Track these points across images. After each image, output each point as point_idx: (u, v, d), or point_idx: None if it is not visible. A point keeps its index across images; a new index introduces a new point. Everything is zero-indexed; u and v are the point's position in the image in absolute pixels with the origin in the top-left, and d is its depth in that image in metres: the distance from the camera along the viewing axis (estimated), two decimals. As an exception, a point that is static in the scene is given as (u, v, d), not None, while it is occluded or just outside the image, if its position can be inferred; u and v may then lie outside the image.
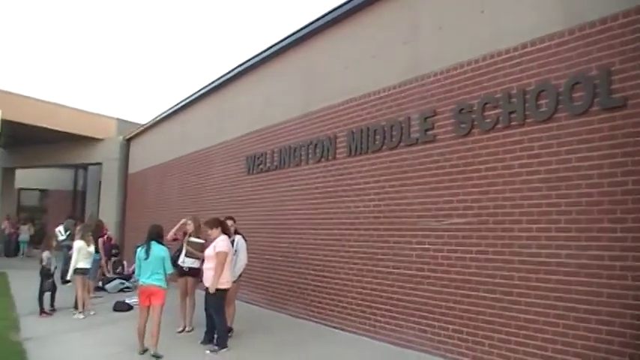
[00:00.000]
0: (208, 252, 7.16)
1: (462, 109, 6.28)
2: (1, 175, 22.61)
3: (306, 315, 8.66)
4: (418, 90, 6.95)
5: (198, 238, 8.23)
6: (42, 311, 9.78)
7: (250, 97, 11.34)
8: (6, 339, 7.94)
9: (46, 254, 10.18)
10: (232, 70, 11.91)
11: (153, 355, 6.84)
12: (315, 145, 8.83)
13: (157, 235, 7.28)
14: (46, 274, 10.12)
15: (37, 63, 54.92)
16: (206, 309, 7.27)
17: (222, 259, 6.95)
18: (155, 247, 7.15)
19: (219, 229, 7.21)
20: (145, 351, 6.95)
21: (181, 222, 8.66)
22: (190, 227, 8.39)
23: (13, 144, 23.08)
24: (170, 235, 8.63)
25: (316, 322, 8.36)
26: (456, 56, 6.45)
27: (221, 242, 7.05)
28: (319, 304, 8.39)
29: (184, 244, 8.32)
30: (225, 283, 7.04)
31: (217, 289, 6.94)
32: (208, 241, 7.45)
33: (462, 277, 6.12)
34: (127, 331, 7.84)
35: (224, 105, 12.67)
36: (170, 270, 7.28)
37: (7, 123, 17.32)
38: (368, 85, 7.81)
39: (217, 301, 7.02)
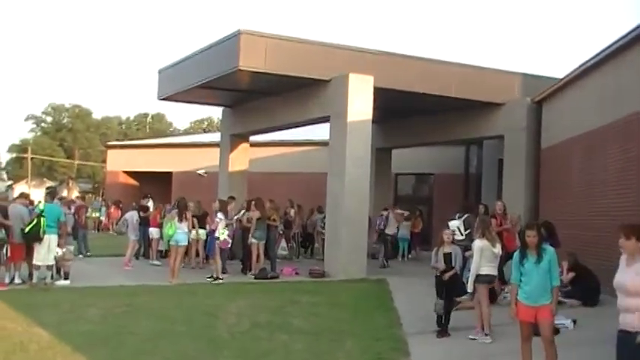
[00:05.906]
0: (630, 280, 6.36)
1: None
2: (375, 158, 23.82)
3: None
4: None
5: None
6: (441, 332, 10.65)
7: None
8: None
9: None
10: None
11: None
12: None
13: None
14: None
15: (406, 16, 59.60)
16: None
17: None
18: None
19: (634, 239, 6.47)
20: None
21: None
22: None
23: (387, 118, 24.93)
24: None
25: None
26: None
27: None
28: None
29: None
30: None
31: None
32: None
33: None
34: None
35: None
36: (556, 282, 7.80)
37: (381, 91, 18.41)
38: None
39: None
